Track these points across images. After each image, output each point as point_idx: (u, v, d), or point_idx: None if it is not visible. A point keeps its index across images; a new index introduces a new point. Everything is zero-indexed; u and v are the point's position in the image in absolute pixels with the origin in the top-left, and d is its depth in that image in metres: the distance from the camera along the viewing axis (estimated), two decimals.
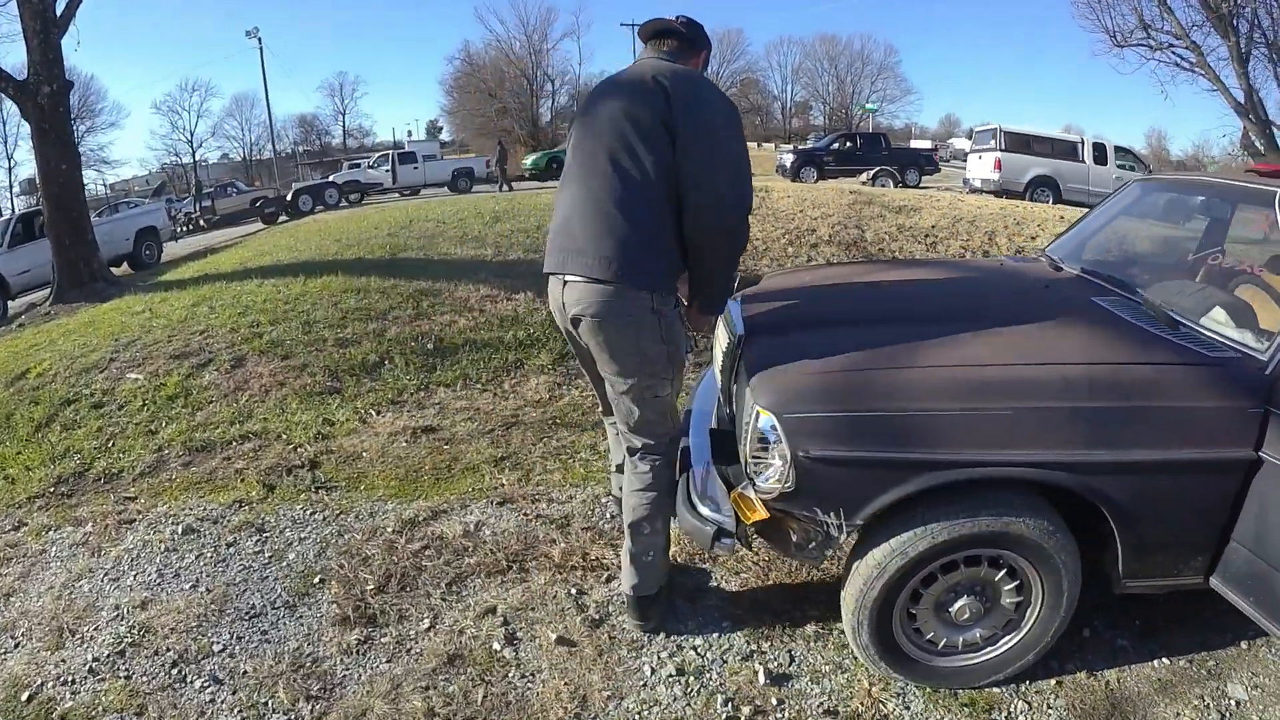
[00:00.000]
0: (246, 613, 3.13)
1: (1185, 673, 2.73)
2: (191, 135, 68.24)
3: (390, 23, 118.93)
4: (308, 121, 76.63)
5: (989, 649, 2.60)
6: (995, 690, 2.62)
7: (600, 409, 3.28)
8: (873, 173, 23.63)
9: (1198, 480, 2.31)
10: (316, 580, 3.31)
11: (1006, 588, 2.49)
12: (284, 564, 3.47)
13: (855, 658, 2.71)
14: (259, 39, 47.07)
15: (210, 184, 34.88)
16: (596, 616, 3.00)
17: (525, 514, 3.76)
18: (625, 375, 2.62)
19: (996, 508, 2.32)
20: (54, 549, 3.79)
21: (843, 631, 2.77)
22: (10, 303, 13.50)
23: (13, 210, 22.59)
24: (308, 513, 3.89)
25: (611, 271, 2.46)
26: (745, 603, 3.08)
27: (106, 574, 3.50)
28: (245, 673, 2.80)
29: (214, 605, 3.18)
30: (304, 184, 29.21)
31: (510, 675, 2.73)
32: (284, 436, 4.86)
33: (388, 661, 2.82)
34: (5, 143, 54.99)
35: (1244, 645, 2.86)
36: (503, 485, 4.07)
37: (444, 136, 67.02)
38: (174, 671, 2.82)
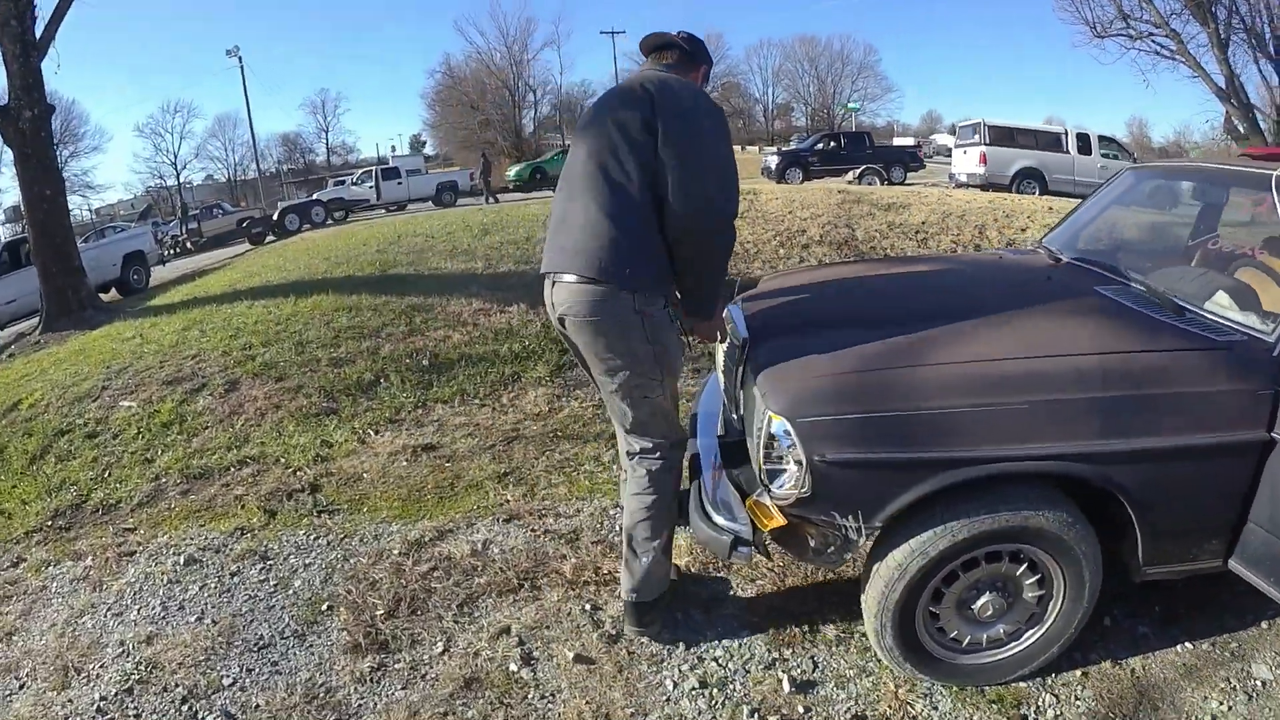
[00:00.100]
0: (255, 644, 3.07)
1: (1209, 656, 2.72)
2: (175, 157, 68.17)
3: (370, 39, 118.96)
4: (291, 140, 76.50)
5: (1013, 644, 2.59)
6: (1022, 685, 2.60)
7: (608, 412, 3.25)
8: (859, 171, 23.72)
9: (1213, 464, 2.32)
10: (325, 607, 3.25)
11: (1028, 582, 2.48)
12: (290, 592, 3.40)
13: (879, 660, 2.68)
14: (239, 58, 47.22)
15: (196, 206, 34.71)
16: (613, 632, 2.95)
17: (533, 530, 3.71)
18: (611, 374, 2.64)
19: (1015, 502, 2.31)
20: (54, 585, 3.72)
21: (864, 634, 2.75)
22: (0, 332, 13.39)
23: None
24: (311, 538, 3.83)
25: (595, 272, 2.49)
26: (763, 609, 3.04)
27: (109, 609, 3.43)
28: (257, 706, 2.74)
29: (221, 637, 3.12)
30: (290, 203, 29.10)
31: (530, 697, 2.68)
32: (282, 460, 4.79)
33: (403, 688, 2.76)
34: None
35: (1265, 625, 2.86)
36: (508, 501, 4.01)
37: (428, 150, 66.98)
38: (184, 708, 2.76)
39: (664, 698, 2.63)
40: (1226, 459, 2.30)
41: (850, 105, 66.65)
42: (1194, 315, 2.57)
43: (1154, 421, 2.26)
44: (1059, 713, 2.50)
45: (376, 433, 5.12)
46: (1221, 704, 2.52)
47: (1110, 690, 2.58)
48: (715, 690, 2.65)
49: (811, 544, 2.44)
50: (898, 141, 45.99)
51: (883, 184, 22.29)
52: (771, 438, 2.35)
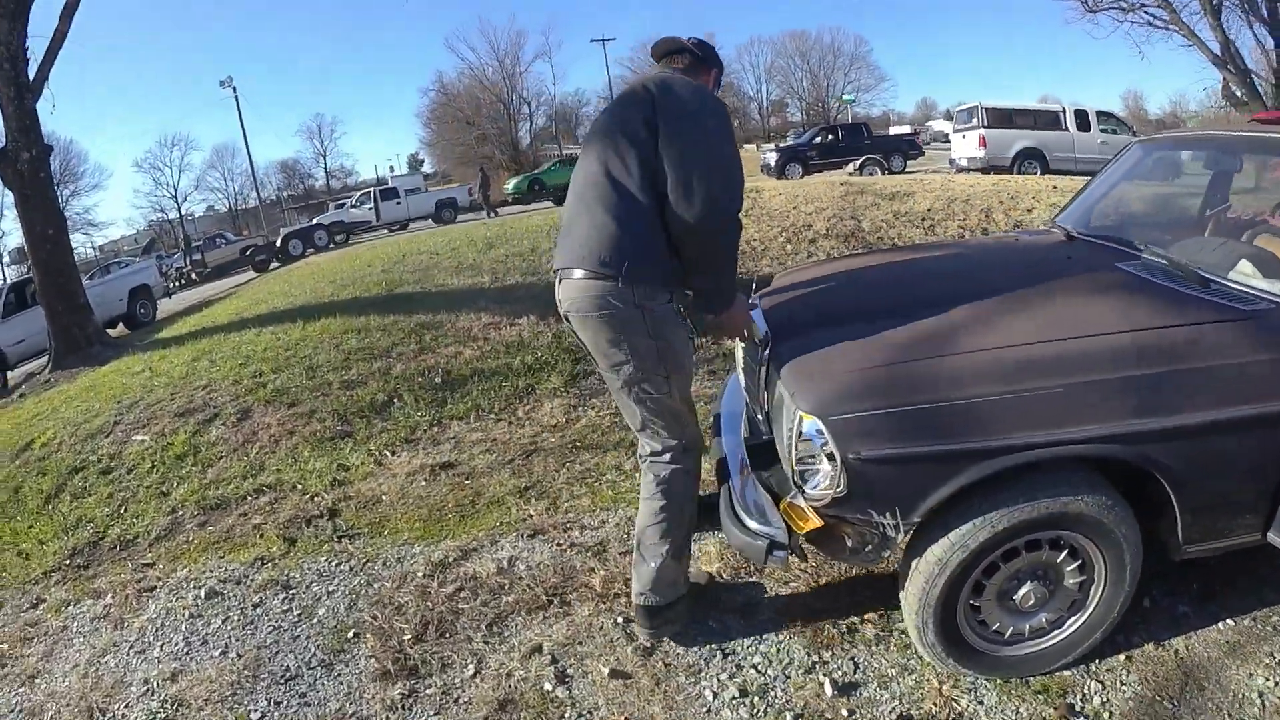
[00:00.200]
0: (282, 676, 3.00)
1: (1251, 632, 2.67)
2: (175, 190, 68.78)
3: (361, 61, 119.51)
4: (289, 166, 76.89)
5: (1056, 632, 2.53)
6: (1066, 673, 2.55)
7: None
8: (859, 162, 23.76)
9: (1250, 436, 2.27)
10: (351, 635, 3.18)
11: (1069, 568, 2.43)
12: (315, 621, 3.34)
13: (920, 657, 2.62)
14: (233, 88, 47.36)
15: (199, 237, 34.94)
16: (648, 644, 2.87)
17: (558, 544, 3.63)
18: (616, 370, 2.63)
19: (1054, 488, 2.26)
20: (75, 624, 3.67)
21: (903, 631, 2.70)
22: (9, 373, 13.43)
23: (4, 280, 22.62)
24: (333, 564, 3.76)
25: (596, 266, 2.51)
26: (799, 612, 2.96)
27: (132, 646, 3.37)
28: None
29: (247, 671, 3.05)
30: (292, 228, 29.27)
31: (567, 715, 2.60)
32: (299, 486, 4.73)
33: (436, 714, 2.69)
34: None
35: None
36: (531, 516, 3.94)
37: (426, 169, 67.37)
38: None
39: (704, 709, 2.56)
40: (1263, 430, 2.25)
41: (845, 97, 66.79)
42: (1219, 286, 2.53)
43: (1189, 397, 2.21)
44: (1105, 699, 2.45)
45: (393, 453, 5.06)
46: (1268, 680, 2.47)
47: (1155, 673, 2.53)
48: (756, 698, 2.58)
49: (849, 543, 2.39)
50: (894, 130, 45.92)
51: (884, 173, 22.27)
52: (803, 438, 2.29)
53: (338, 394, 6.02)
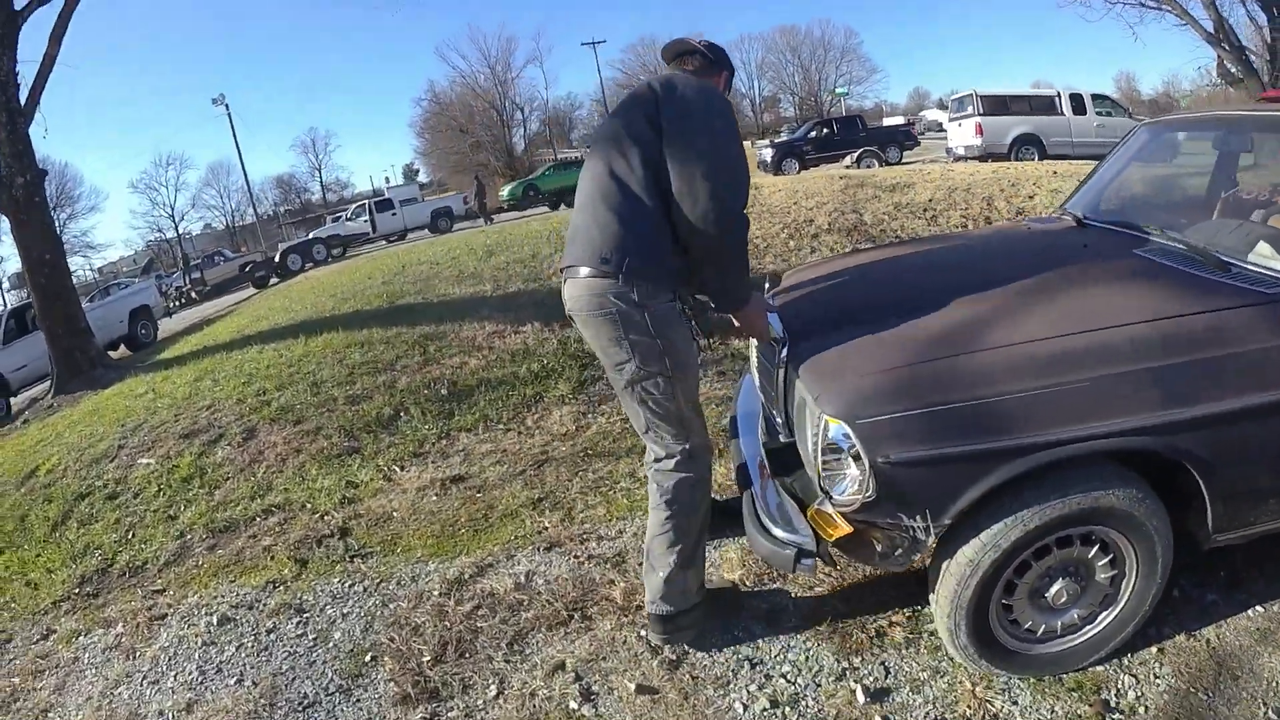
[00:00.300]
0: (299, 704, 2.93)
1: None
2: (172, 209, 68.95)
3: (354, 73, 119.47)
4: (285, 181, 77.00)
5: (1088, 628, 2.48)
6: (1100, 669, 2.50)
7: None
8: (857, 155, 23.74)
9: (1278, 421, 2.21)
10: (368, 658, 3.12)
11: (1100, 563, 2.38)
12: (331, 645, 3.27)
13: (952, 659, 2.56)
14: (226, 105, 47.36)
15: (197, 255, 34.96)
16: (673, 657, 2.80)
17: (576, 557, 3.56)
18: (619, 369, 2.62)
19: (1085, 483, 2.20)
20: (86, 655, 3.61)
21: (933, 633, 2.66)
22: (13, 399, 13.40)
23: (4, 306, 22.65)
24: (347, 585, 3.69)
25: (598, 263, 2.51)
26: (826, 617, 2.89)
27: (145, 677, 3.31)
28: None
29: (264, 700, 2.99)
30: (291, 243, 29.20)
31: None
32: (308, 506, 4.66)
33: None
34: None
35: None
36: (546, 529, 3.86)
37: (421, 178, 67.46)
38: None
39: None
40: None
41: (838, 90, 66.56)
42: (1239, 269, 2.47)
43: (1218, 384, 2.17)
44: (1140, 693, 2.41)
45: (402, 468, 4.99)
46: None
47: (1188, 664, 2.49)
48: (787, 709, 2.51)
49: (878, 548, 2.33)
50: (888, 121, 46.01)
51: (881, 165, 22.24)
52: (829, 442, 2.22)
53: (343, 409, 5.95)
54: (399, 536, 4.09)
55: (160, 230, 68.24)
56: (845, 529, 2.29)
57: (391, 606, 3.44)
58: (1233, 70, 17.78)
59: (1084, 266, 2.79)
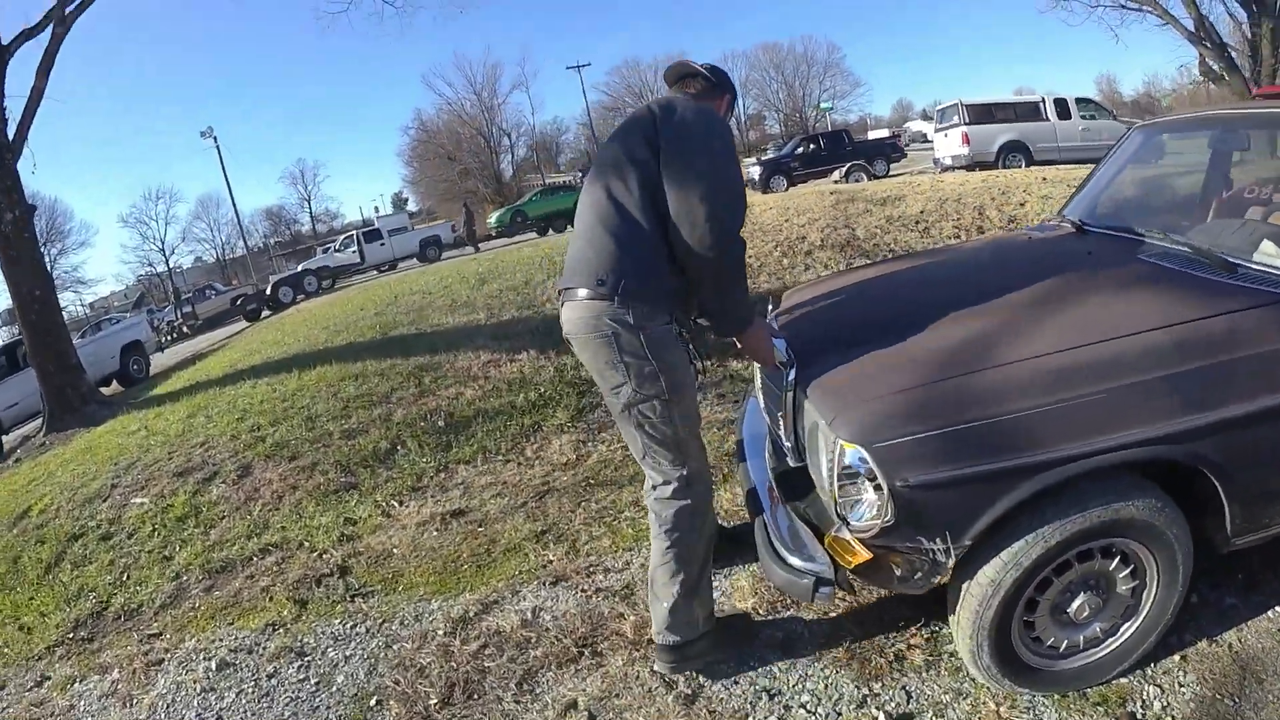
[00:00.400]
0: None
1: None
2: (163, 243, 68.97)
3: (340, 103, 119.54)
4: (275, 213, 77.04)
5: (1110, 640, 2.45)
6: (1124, 680, 2.48)
7: None
8: (845, 170, 23.85)
9: None
10: (373, 702, 3.03)
11: (1121, 574, 2.35)
12: (334, 689, 3.18)
13: (973, 680, 2.52)
14: (214, 138, 47.38)
15: (188, 289, 34.91)
16: (689, 691, 2.72)
17: (583, 590, 3.48)
18: (615, 393, 2.60)
19: (1104, 496, 2.18)
20: (82, 703, 3.53)
21: (952, 654, 2.61)
22: (5, 438, 13.28)
23: None
24: (348, 626, 3.61)
25: (593, 285, 2.51)
26: (842, 643, 2.82)
27: None
28: None
29: None
30: (281, 275, 29.16)
31: None
32: (306, 544, 4.57)
33: None
34: None
35: None
36: (551, 562, 3.78)
37: (411, 206, 67.50)
38: None
39: None
40: None
41: (823, 105, 66.99)
42: (1245, 270, 2.47)
43: (1235, 388, 2.15)
44: (1166, 703, 2.39)
45: (401, 503, 4.90)
46: None
47: (1211, 671, 2.47)
48: None
49: (897, 572, 2.28)
50: (873, 135, 46.20)
51: (869, 179, 22.33)
52: (846, 467, 2.17)
53: (339, 444, 5.86)
54: (400, 574, 4.00)
55: (151, 264, 68.33)
56: (865, 556, 2.23)
57: (395, 647, 3.35)
58: (1215, 67, 17.97)
59: (1090, 274, 2.78)
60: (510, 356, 7.06)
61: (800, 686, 2.67)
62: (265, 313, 24.78)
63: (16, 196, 10.83)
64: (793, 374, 2.60)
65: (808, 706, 2.59)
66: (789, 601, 3.07)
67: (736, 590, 3.21)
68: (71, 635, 4.18)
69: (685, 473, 2.64)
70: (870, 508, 2.18)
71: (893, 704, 2.53)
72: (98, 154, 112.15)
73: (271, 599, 4.01)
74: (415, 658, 3.23)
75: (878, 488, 2.12)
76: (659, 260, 2.51)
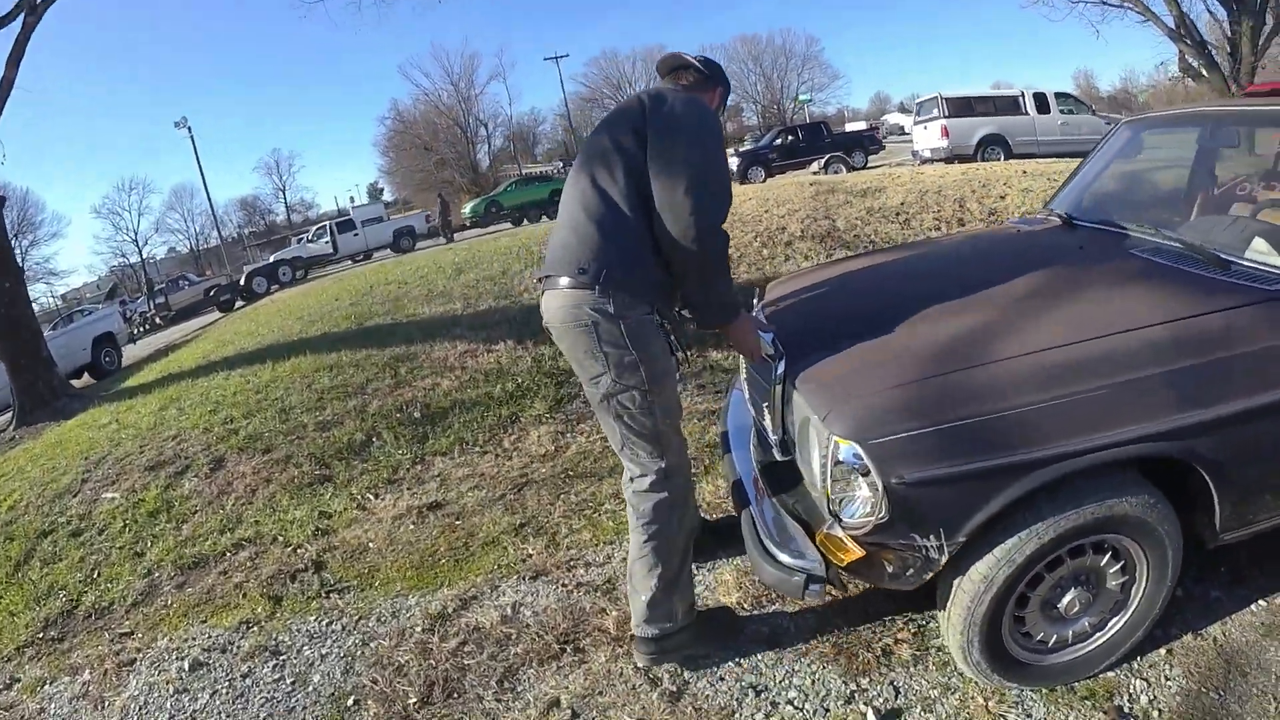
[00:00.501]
0: None
1: None
2: (136, 234, 68.42)
3: (315, 93, 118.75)
4: (249, 203, 76.65)
5: (1098, 635, 2.46)
6: (1111, 674, 2.49)
7: None
8: (824, 161, 23.90)
9: None
10: (350, 702, 2.96)
11: (1111, 570, 2.35)
12: (310, 689, 3.11)
13: (961, 675, 2.52)
14: (189, 128, 46.82)
15: (161, 280, 34.47)
16: (674, 688, 2.68)
17: (564, 585, 3.42)
18: (593, 382, 2.59)
19: (1099, 492, 2.16)
20: (53, 706, 3.43)
21: (940, 649, 2.62)
22: None
23: None
24: (324, 623, 3.53)
25: (574, 273, 2.50)
26: (830, 638, 2.80)
27: None
28: None
29: None
30: (255, 266, 28.89)
31: None
32: (280, 538, 4.48)
33: None
34: None
35: None
36: (530, 556, 3.71)
37: (386, 197, 67.23)
38: None
39: None
40: None
41: (801, 97, 67.15)
42: (1238, 267, 2.46)
43: (1229, 385, 2.14)
44: (1152, 697, 2.40)
45: (376, 496, 4.82)
46: None
47: (1197, 664, 2.50)
48: None
49: (889, 569, 2.24)
50: (850, 127, 46.32)
51: (847, 170, 22.37)
52: (839, 463, 2.13)
53: (313, 436, 5.77)
54: (376, 569, 3.92)
55: (124, 255, 67.77)
56: (857, 553, 2.20)
57: (372, 645, 3.29)
58: (1194, 64, 18.11)
59: (1083, 269, 2.76)
60: (487, 347, 7.00)
61: (787, 682, 2.65)
62: (239, 303, 24.56)
63: None
64: (782, 367, 2.56)
65: (795, 702, 2.56)
66: (774, 596, 3.04)
67: (720, 584, 3.17)
68: (41, 635, 4.07)
69: (664, 465, 2.62)
70: (864, 504, 2.14)
71: (881, 699, 2.52)
72: (70, 145, 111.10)
73: (245, 596, 3.93)
74: (393, 655, 3.17)
75: (872, 484, 2.08)
76: (644, 251, 2.49)
